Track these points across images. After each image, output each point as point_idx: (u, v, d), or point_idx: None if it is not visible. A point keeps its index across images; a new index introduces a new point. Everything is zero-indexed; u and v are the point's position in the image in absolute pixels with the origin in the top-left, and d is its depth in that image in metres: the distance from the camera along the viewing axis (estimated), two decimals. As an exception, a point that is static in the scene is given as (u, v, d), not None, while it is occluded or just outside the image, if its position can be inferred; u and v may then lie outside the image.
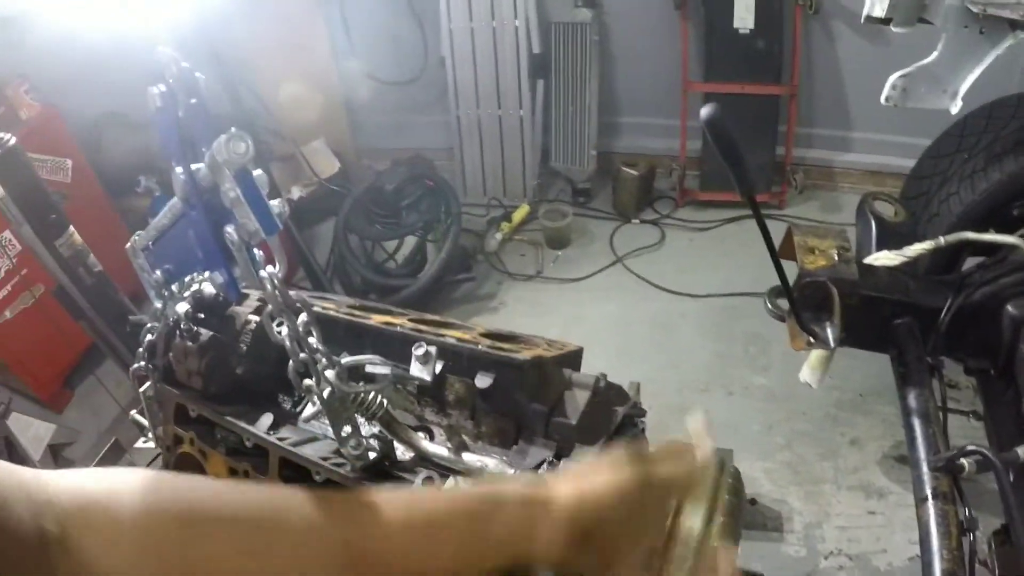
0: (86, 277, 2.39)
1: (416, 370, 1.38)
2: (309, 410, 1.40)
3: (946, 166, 3.20)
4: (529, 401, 1.37)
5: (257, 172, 1.01)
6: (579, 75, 4.85)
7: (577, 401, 1.38)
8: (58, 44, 3.12)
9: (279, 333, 1.16)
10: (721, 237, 4.80)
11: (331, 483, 1.33)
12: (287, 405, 1.65)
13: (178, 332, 1.61)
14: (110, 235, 2.97)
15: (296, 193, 4.64)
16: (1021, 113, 3.06)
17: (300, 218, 4.21)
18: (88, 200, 4.01)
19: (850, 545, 3.01)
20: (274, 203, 1.04)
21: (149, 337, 1.73)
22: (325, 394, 1.16)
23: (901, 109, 2.82)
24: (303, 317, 1.14)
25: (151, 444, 1.84)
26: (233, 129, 0.97)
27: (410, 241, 4.44)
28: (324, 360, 1.17)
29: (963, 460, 1.93)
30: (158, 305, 1.70)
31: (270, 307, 1.13)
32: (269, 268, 1.07)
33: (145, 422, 1.81)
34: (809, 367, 2.57)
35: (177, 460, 1.65)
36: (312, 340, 1.16)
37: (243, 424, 1.54)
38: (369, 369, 1.31)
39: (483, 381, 1.38)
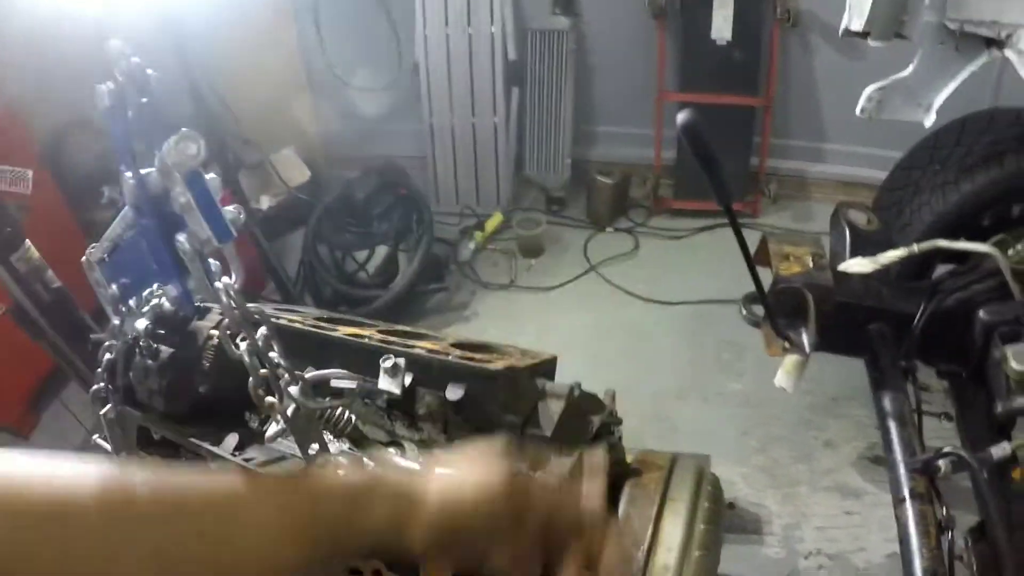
0: (44, 294, 2.32)
1: (385, 383, 1.33)
2: (274, 429, 1.34)
3: (918, 177, 3.22)
4: (502, 413, 1.33)
5: (210, 176, 0.96)
6: (555, 83, 4.82)
7: (551, 412, 1.35)
8: (23, 47, 3.04)
9: (237, 348, 1.10)
10: (695, 245, 4.80)
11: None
12: (254, 423, 1.60)
13: (137, 350, 1.55)
14: (72, 249, 2.86)
15: (265, 203, 4.56)
16: (993, 128, 3.08)
17: (269, 228, 4.14)
18: (49, 212, 3.87)
19: (828, 545, 3.03)
20: (228, 209, 0.99)
21: (108, 356, 1.68)
22: (289, 411, 1.11)
23: (874, 122, 2.86)
24: (263, 331, 1.08)
25: (113, 469, 1.78)
26: (184, 129, 0.91)
27: (381, 251, 4.39)
28: (287, 375, 1.12)
29: (939, 462, 1.96)
30: (116, 322, 1.64)
31: (227, 321, 1.07)
32: (225, 279, 1.01)
33: (108, 446, 1.74)
34: (784, 372, 2.57)
35: (141, 484, 1.59)
36: (273, 355, 1.10)
37: (207, 445, 1.50)
38: (335, 383, 1.26)
39: (454, 393, 1.33)
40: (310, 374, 1.17)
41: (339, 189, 4.37)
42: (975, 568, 2.10)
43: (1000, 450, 2.05)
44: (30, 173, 3.78)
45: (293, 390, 1.12)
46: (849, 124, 3.51)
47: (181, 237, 0.99)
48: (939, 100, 2.79)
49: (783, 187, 5.07)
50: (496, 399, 1.33)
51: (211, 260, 1.03)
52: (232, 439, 1.50)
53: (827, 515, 3.16)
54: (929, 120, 2.85)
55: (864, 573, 2.92)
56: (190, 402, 1.55)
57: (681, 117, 1.54)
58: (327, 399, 1.19)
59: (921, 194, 3.12)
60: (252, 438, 1.52)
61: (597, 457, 1.02)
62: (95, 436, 1.88)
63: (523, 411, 1.33)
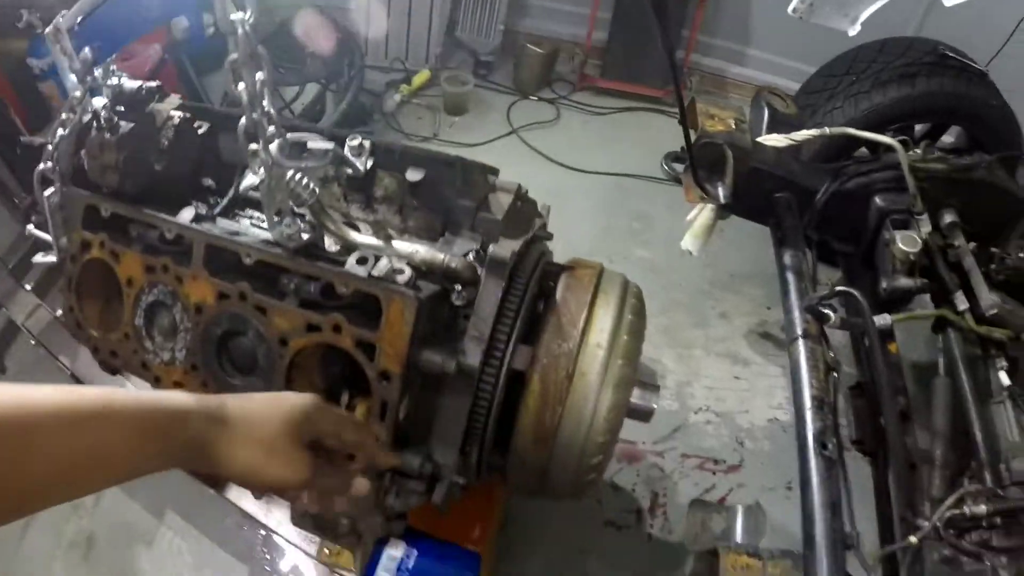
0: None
1: (351, 155, 1.42)
2: (248, 180, 1.41)
3: (835, 84, 3.39)
4: (457, 198, 1.44)
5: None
6: None
7: (501, 201, 1.47)
8: None
9: (237, 87, 1.15)
10: (615, 123, 4.91)
11: (261, 267, 1.39)
12: (202, 210, 1.64)
13: (94, 126, 1.57)
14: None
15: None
16: (911, 53, 3.28)
17: (198, 64, 4.07)
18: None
19: (717, 404, 3.26)
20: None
21: (60, 132, 1.68)
22: (273, 153, 1.18)
23: (799, 34, 2.97)
24: (260, 76, 1.14)
25: (51, 258, 1.78)
26: None
27: (311, 90, 4.36)
28: (272, 128, 1.19)
29: (828, 311, 2.19)
30: (76, 94, 1.65)
31: (234, 56, 1.13)
32: (240, 14, 1.06)
33: (46, 235, 1.76)
34: (691, 235, 2.77)
35: (83, 269, 1.63)
36: (266, 103, 1.17)
37: (165, 216, 1.54)
38: (311, 145, 1.34)
39: (414, 175, 1.44)
40: (291, 134, 1.25)
41: (273, 27, 4.29)
42: (853, 420, 2.39)
43: (882, 319, 2.32)
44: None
45: (273, 148, 1.20)
46: (775, 33, 3.62)
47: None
48: (866, 13, 2.93)
49: (703, 84, 5.23)
50: (453, 184, 1.44)
51: None
52: (188, 212, 1.56)
53: (717, 377, 3.38)
54: (854, 30, 2.99)
55: (747, 432, 3.14)
56: (144, 179, 1.58)
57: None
58: (303, 160, 1.26)
59: (835, 99, 3.31)
60: (204, 219, 1.58)
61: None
62: (29, 226, 1.90)
63: (476, 197, 1.45)
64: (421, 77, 4.90)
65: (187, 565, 2.51)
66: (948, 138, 3.45)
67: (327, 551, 2.01)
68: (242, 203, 1.66)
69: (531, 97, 5.00)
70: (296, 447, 1.00)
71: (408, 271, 1.28)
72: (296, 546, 2.24)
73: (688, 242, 2.77)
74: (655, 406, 1.66)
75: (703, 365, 3.42)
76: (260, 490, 1.02)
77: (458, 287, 1.36)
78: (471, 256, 1.40)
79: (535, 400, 1.41)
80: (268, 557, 2.51)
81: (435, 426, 1.40)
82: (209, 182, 1.75)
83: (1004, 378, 2.30)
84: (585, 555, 2.61)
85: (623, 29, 4.89)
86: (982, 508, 1.90)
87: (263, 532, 2.48)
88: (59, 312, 1.69)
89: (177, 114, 1.66)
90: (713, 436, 3.13)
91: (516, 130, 4.72)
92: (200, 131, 1.69)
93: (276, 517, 2.24)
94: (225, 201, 1.60)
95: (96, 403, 0.84)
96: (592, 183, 4.36)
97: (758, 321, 3.64)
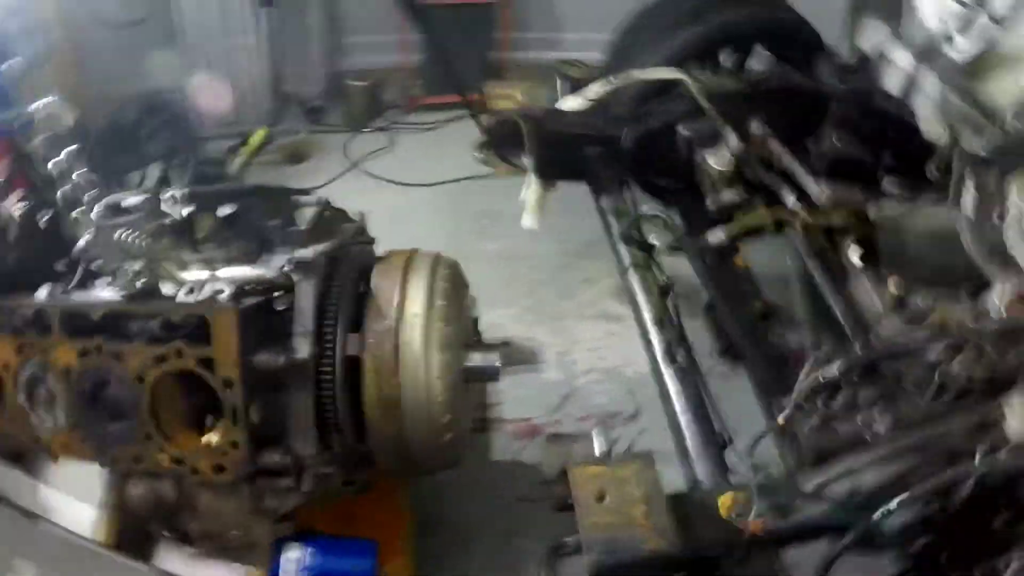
0: None
1: (168, 208, 1.61)
2: (83, 241, 1.57)
3: (632, 41, 3.59)
4: (268, 219, 1.65)
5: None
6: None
7: (306, 215, 1.68)
8: None
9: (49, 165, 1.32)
10: (445, 134, 5.12)
11: (111, 320, 1.55)
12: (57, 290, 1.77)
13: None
14: None
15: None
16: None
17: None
18: None
19: (600, 362, 3.44)
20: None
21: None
22: (94, 219, 1.36)
23: (605, 3, 3.11)
24: (70, 149, 1.31)
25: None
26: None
27: (154, 174, 4.44)
28: (89, 192, 1.36)
29: (655, 242, 2.46)
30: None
31: (40, 137, 1.28)
32: (44, 100, 1.21)
33: None
34: (528, 213, 2.95)
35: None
36: (77, 174, 1.34)
37: (21, 301, 1.69)
38: (126, 203, 1.53)
39: (224, 211, 1.64)
40: (108, 197, 1.43)
41: (106, 120, 4.36)
42: (711, 336, 2.56)
43: (715, 236, 2.57)
44: None
45: (94, 212, 1.38)
46: (582, 13, 3.79)
47: None
48: None
49: (524, 76, 5.32)
50: (261, 210, 1.64)
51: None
52: (43, 290, 1.71)
53: (594, 338, 3.56)
54: None
55: (633, 380, 3.29)
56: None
57: None
58: (122, 219, 1.45)
59: (635, 52, 3.46)
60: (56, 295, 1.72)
61: None
62: None
63: (283, 216, 1.66)
64: (258, 136, 5.01)
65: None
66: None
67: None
68: (92, 275, 1.82)
69: (364, 130, 5.18)
70: None
71: (228, 289, 1.48)
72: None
73: (527, 219, 2.96)
74: (498, 364, 1.85)
75: (578, 331, 3.60)
76: None
77: (276, 295, 1.57)
78: (285, 267, 1.60)
79: (372, 376, 1.62)
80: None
81: (288, 422, 1.58)
82: (60, 266, 1.90)
83: (855, 258, 2.41)
84: (514, 535, 2.69)
85: (432, 46, 5.09)
86: (833, 371, 1.90)
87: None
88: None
89: (19, 209, 1.80)
90: (604, 393, 3.28)
91: (356, 163, 4.87)
92: (44, 219, 1.83)
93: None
94: (78, 275, 1.75)
95: None
96: (435, 194, 4.54)
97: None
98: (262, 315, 1.53)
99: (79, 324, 1.60)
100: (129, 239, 1.44)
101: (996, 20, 2.30)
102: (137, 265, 1.53)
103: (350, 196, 4.44)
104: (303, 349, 1.51)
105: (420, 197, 4.54)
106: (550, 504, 1.87)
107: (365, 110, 5.21)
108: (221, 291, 1.47)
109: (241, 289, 1.53)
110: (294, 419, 1.56)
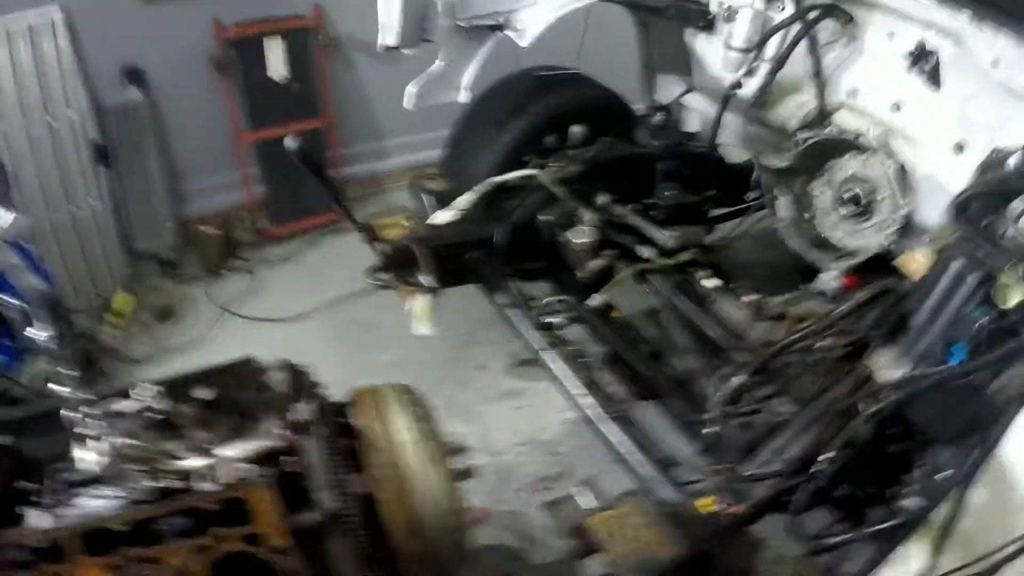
0: None
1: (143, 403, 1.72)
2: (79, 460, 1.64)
3: (467, 142, 3.88)
4: (241, 392, 1.79)
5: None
6: (140, 154, 4.95)
7: (278, 379, 1.84)
8: None
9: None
10: (304, 261, 5.25)
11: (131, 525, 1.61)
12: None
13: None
14: None
15: None
16: (514, 87, 3.85)
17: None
18: None
19: (516, 436, 3.71)
20: None
21: None
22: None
23: (427, 110, 3.40)
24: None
25: None
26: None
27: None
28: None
29: (553, 319, 2.89)
30: None
31: None
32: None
33: None
34: (417, 320, 3.14)
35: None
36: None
37: (22, 530, 1.68)
38: (115, 407, 1.63)
39: (203, 393, 1.77)
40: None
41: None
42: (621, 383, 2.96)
43: (594, 300, 3.03)
44: None
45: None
46: (404, 119, 4.00)
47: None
48: (467, 80, 3.39)
49: (362, 188, 5.71)
50: (236, 385, 1.78)
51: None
52: (35, 514, 1.74)
53: (504, 416, 3.82)
54: (464, 97, 3.44)
55: (553, 443, 3.62)
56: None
57: (289, 143, 2.12)
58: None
59: (476, 153, 3.76)
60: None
61: None
62: None
63: (260, 387, 1.81)
64: (120, 302, 4.88)
65: None
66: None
67: None
68: (67, 488, 1.86)
69: (223, 274, 5.19)
70: None
71: (246, 467, 1.61)
72: None
73: (421, 328, 3.13)
74: (470, 463, 2.11)
75: (487, 414, 3.83)
76: None
77: (283, 459, 1.71)
78: (285, 432, 1.74)
79: (391, 507, 1.80)
80: None
81: (336, 569, 1.73)
82: (24, 484, 1.92)
83: (709, 284, 2.96)
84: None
85: (274, 176, 5.28)
86: (735, 382, 2.50)
87: None
88: None
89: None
90: (531, 462, 3.55)
91: (226, 309, 4.85)
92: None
93: None
94: (64, 491, 1.79)
95: None
96: (312, 322, 4.60)
97: (509, 355, 4.10)
98: (283, 481, 1.66)
99: (93, 541, 1.63)
100: (125, 443, 1.53)
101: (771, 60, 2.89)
102: (142, 466, 1.63)
103: (231, 344, 4.57)
104: (330, 500, 1.66)
105: (300, 327, 4.58)
106: (573, 555, 2.44)
107: (219, 254, 5.22)
108: (243, 470, 1.60)
109: (259, 462, 1.66)
110: (338, 565, 1.70)
